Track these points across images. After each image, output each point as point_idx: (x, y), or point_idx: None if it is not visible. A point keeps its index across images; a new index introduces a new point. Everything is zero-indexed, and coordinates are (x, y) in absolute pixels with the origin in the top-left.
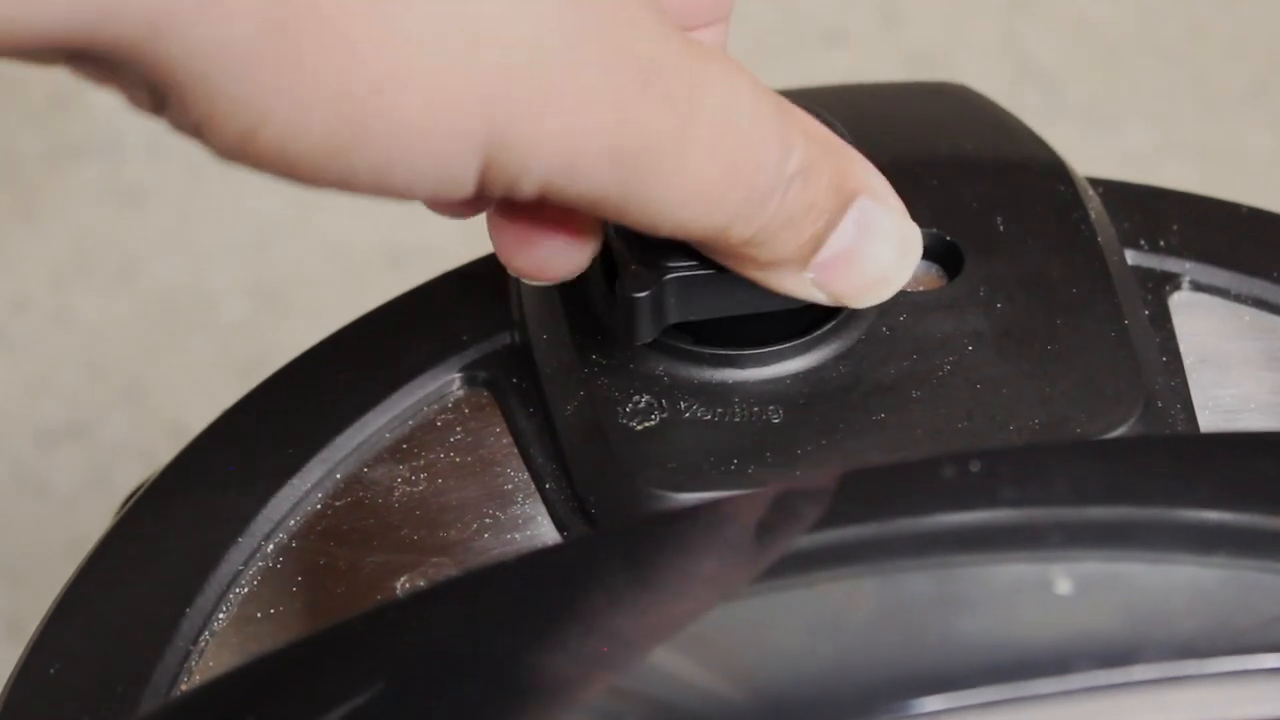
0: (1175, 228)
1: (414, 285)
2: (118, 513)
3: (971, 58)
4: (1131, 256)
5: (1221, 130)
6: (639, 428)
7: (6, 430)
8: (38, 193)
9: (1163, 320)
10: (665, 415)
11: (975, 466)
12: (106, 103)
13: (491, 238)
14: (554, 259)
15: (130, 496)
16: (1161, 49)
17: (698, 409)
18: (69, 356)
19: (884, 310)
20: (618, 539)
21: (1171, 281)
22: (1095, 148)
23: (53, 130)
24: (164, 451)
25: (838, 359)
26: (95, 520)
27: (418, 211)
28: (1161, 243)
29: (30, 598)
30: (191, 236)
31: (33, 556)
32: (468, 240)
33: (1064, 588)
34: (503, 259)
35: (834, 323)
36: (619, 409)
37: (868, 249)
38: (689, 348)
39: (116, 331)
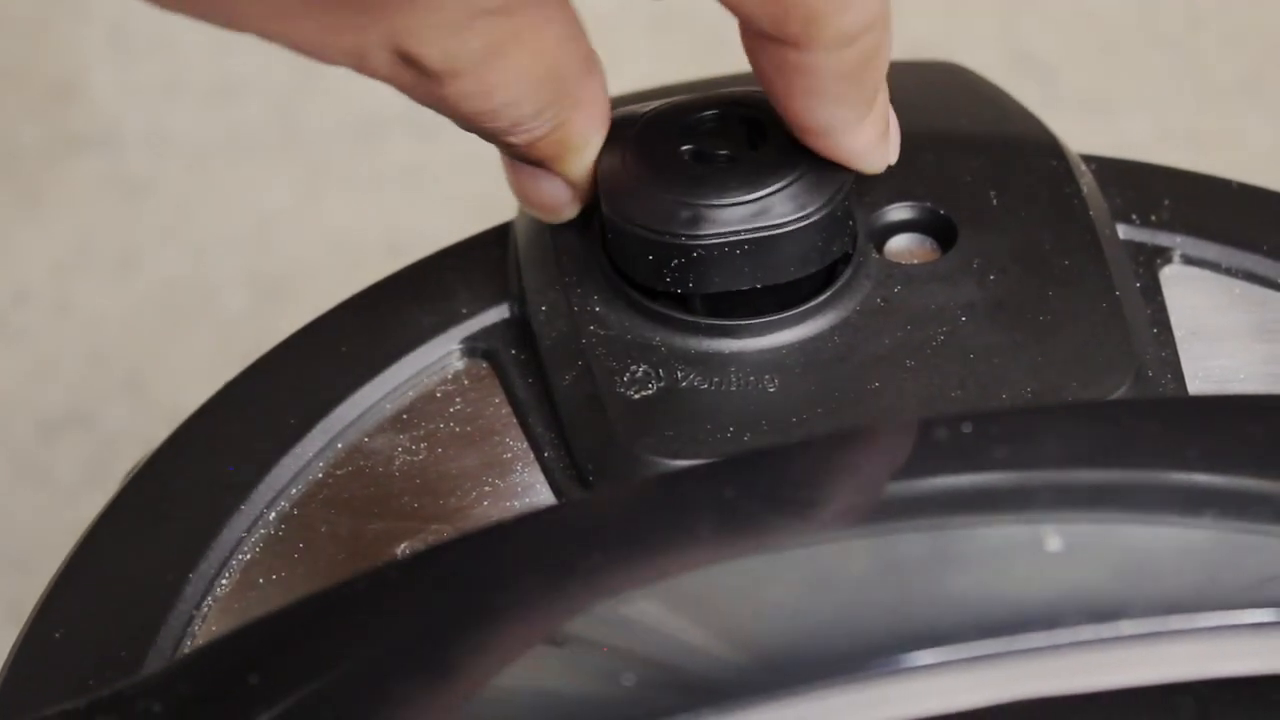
0: (1166, 202)
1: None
2: (123, 482)
3: (968, 47)
4: (1123, 230)
5: (1218, 120)
6: (636, 396)
7: (8, 419)
8: (38, 184)
9: (1154, 293)
10: (662, 384)
11: (967, 428)
12: (108, 94)
13: (505, 172)
14: (556, 194)
15: (135, 468)
16: (1159, 39)
17: (694, 378)
18: (70, 347)
19: (879, 281)
20: (612, 499)
21: (1163, 255)
22: (1091, 137)
23: (53, 121)
24: None
25: (833, 329)
26: (96, 510)
27: (421, 203)
28: (1153, 217)
29: (32, 586)
30: (192, 228)
31: (34, 545)
32: (470, 233)
33: (1054, 545)
34: (514, 192)
35: (829, 293)
36: (616, 378)
37: None
38: (686, 318)
39: (117, 322)
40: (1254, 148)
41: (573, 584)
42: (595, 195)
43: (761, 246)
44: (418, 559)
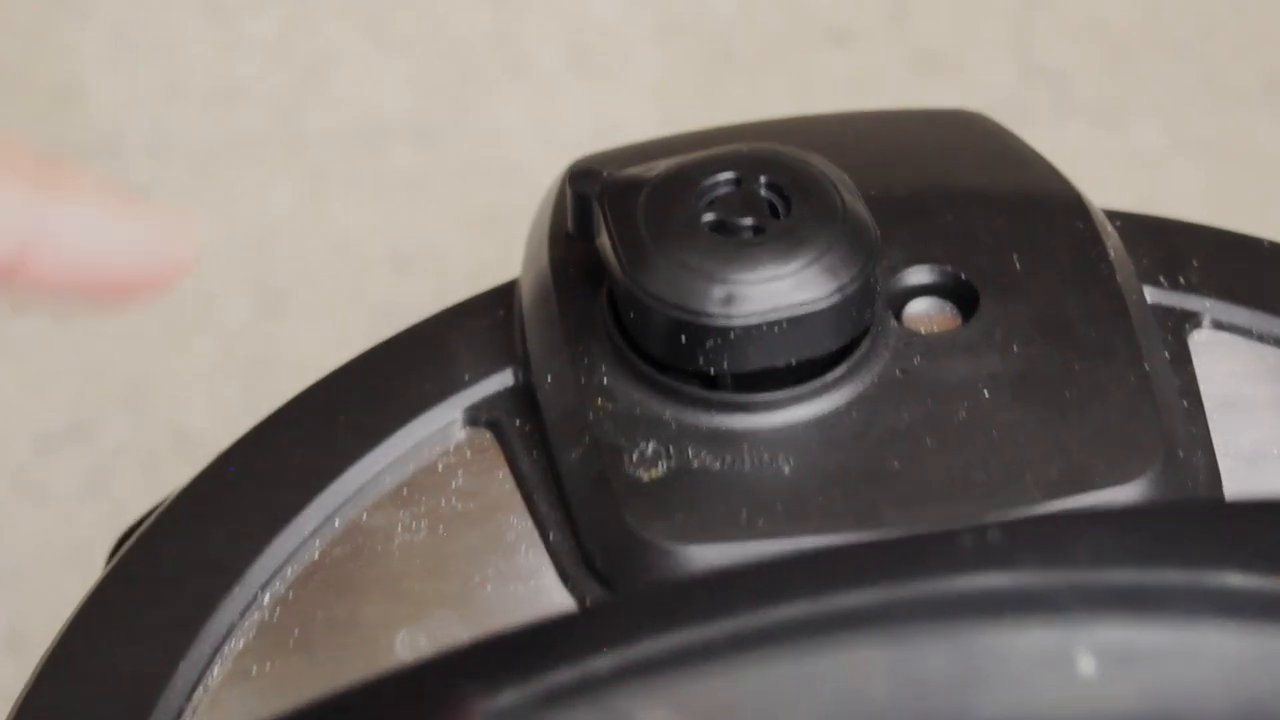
0: (1195, 264)
1: (418, 283)
2: (109, 558)
3: (979, 55)
4: (1151, 293)
5: (1232, 128)
6: (646, 477)
7: (3, 433)
8: None
9: (1183, 361)
10: (673, 463)
11: (995, 535)
12: (108, 99)
13: None
14: None
15: (122, 540)
16: (1171, 46)
17: (707, 457)
18: (69, 357)
19: (898, 352)
20: (633, 605)
21: (1192, 320)
22: (1103, 145)
23: (54, 127)
24: (165, 456)
25: (850, 405)
26: (95, 526)
27: (426, 211)
28: (1181, 279)
29: (29, 606)
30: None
31: (32, 563)
32: (475, 241)
33: (1087, 666)
34: None
35: (847, 366)
36: (625, 457)
37: None
38: (698, 392)
39: (117, 332)
40: (1268, 156)
41: (585, 696)
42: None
43: (802, 321)
44: (416, 667)
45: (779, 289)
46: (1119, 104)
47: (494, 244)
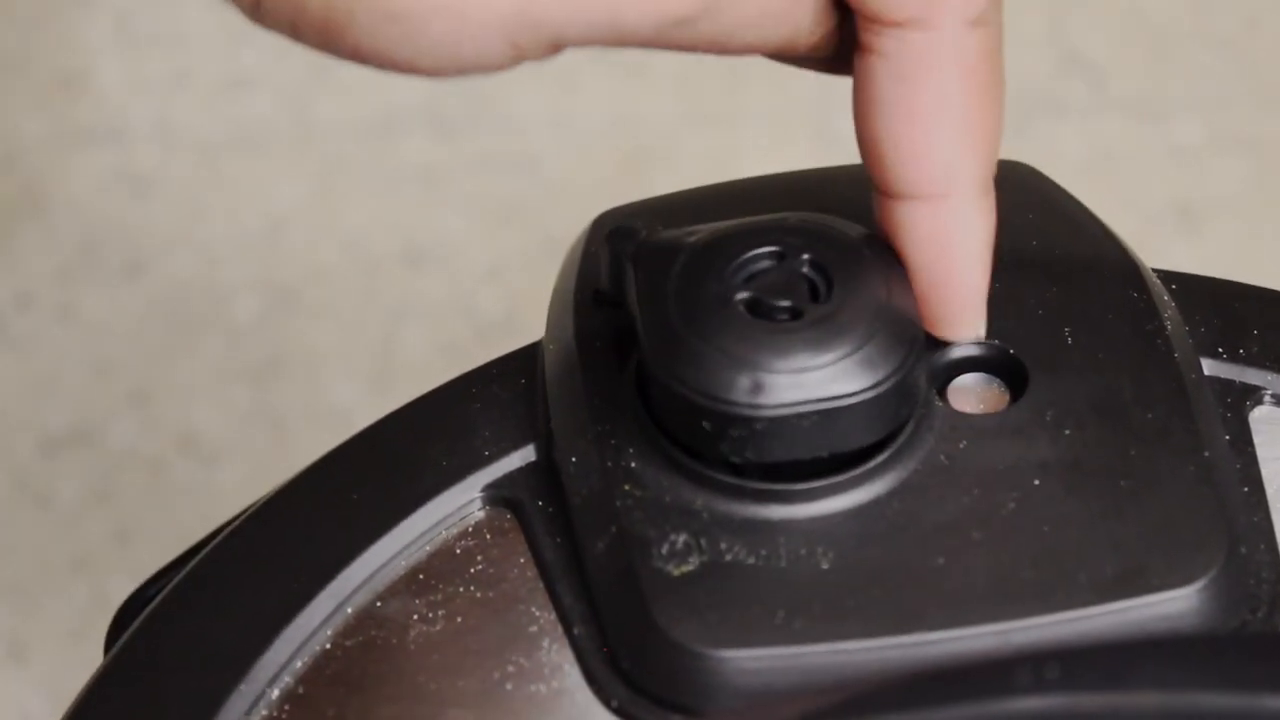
0: (1256, 333)
1: (432, 279)
2: (107, 642)
3: (1015, 46)
4: (1209, 366)
5: (1273, 125)
6: (676, 572)
7: (7, 435)
8: (41, 181)
9: (1243, 442)
10: (705, 558)
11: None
12: (114, 87)
13: None
14: None
15: (121, 614)
16: (1212, 39)
17: (740, 550)
18: (74, 357)
19: (942, 435)
20: None
21: (1252, 395)
22: (1141, 140)
23: (58, 115)
24: (172, 459)
25: (892, 494)
26: (100, 533)
27: (439, 205)
28: (1241, 351)
29: (32, 615)
30: (201, 229)
31: (35, 570)
32: (491, 236)
33: None
34: None
35: (890, 452)
36: (654, 550)
37: None
38: (731, 480)
39: (123, 330)
40: None
41: None
42: (632, 331)
43: (832, 415)
44: None
45: (809, 380)
46: (1157, 98)
47: (510, 239)
